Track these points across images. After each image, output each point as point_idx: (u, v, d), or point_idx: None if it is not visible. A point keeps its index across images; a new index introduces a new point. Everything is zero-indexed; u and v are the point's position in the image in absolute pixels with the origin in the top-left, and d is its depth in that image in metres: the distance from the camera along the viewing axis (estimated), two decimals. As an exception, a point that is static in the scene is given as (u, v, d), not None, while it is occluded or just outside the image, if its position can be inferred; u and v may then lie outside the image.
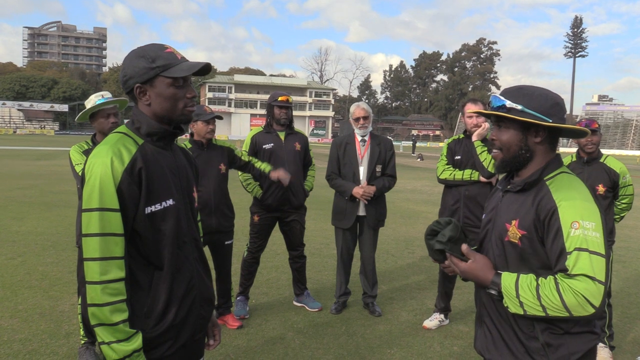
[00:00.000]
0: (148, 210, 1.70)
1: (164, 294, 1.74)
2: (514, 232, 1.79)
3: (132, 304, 1.69)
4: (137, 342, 1.65)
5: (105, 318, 1.61)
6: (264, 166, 4.48)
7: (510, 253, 1.81)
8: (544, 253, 1.72)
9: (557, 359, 1.72)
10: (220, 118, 4.34)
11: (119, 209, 1.64)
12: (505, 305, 1.73)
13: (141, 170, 1.68)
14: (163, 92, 1.75)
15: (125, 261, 1.67)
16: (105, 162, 1.64)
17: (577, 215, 1.66)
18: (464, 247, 1.84)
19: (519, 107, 1.78)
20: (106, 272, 1.61)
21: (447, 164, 4.61)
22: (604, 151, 4.37)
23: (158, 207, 1.73)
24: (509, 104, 1.79)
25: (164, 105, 1.76)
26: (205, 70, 1.81)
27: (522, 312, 1.69)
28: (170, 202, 1.76)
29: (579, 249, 1.63)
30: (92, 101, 3.57)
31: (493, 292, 1.78)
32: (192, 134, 4.33)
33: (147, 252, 1.73)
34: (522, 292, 1.68)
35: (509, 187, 1.90)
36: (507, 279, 1.73)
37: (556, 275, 1.67)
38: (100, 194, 1.62)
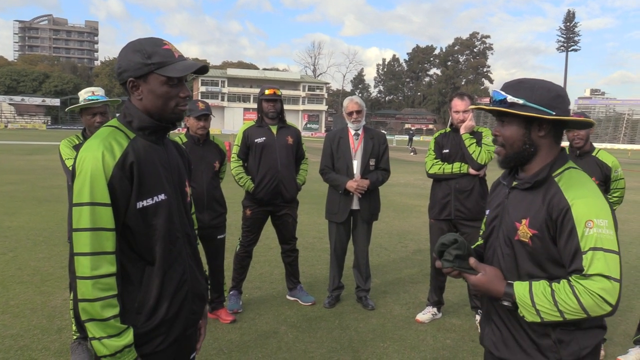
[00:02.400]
0: (139, 205, 1.69)
1: (156, 289, 1.73)
2: (524, 231, 1.75)
3: (123, 299, 1.68)
4: (128, 337, 1.64)
5: (96, 313, 1.60)
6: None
7: (520, 252, 1.78)
8: (555, 251, 1.70)
9: (569, 354, 1.71)
10: (212, 115, 4.31)
11: (110, 203, 1.62)
12: (521, 314, 1.70)
13: (132, 164, 1.67)
14: (156, 89, 1.73)
15: (117, 256, 1.65)
16: (97, 156, 1.62)
17: (591, 214, 1.64)
18: (472, 260, 1.80)
19: (521, 101, 1.73)
20: (97, 267, 1.60)
21: (435, 159, 4.61)
22: (595, 145, 4.38)
23: (150, 201, 1.71)
24: (510, 98, 1.75)
25: (155, 102, 1.74)
26: (202, 71, 1.79)
27: (539, 320, 1.66)
28: (162, 196, 1.75)
29: (594, 249, 1.61)
30: (82, 96, 3.55)
31: (507, 303, 1.75)
32: (188, 128, 4.32)
33: (139, 247, 1.72)
34: (537, 299, 1.65)
35: (515, 183, 1.85)
36: (520, 289, 1.70)
37: (570, 278, 1.65)
38: (91, 189, 1.60)
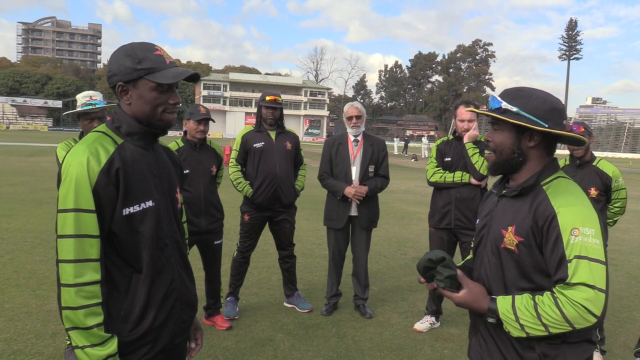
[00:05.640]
0: (126, 211, 1.66)
1: (143, 297, 1.70)
2: (510, 238, 1.73)
3: (108, 306, 1.65)
4: (112, 346, 1.62)
5: (79, 322, 1.58)
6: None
7: (507, 260, 1.75)
8: (542, 260, 1.67)
9: None
10: (212, 120, 4.31)
11: (94, 210, 1.60)
12: (507, 330, 1.67)
13: (119, 170, 1.65)
14: (145, 95, 1.71)
15: (101, 263, 1.63)
16: (82, 161, 1.60)
17: (577, 222, 1.61)
18: (459, 272, 1.80)
19: (515, 109, 1.72)
20: (81, 275, 1.57)
21: (436, 167, 4.57)
22: (597, 154, 4.35)
23: (137, 208, 1.69)
24: (504, 105, 1.74)
25: (144, 108, 1.73)
26: (193, 78, 1.78)
27: (524, 335, 1.64)
28: (149, 203, 1.72)
29: (579, 257, 1.58)
30: (80, 100, 3.54)
31: (491, 320, 1.74)
32: (185, 132, 4.29)
33: (126, 254, 1.69)
34: (520, 314, 1.63)
35: (504, 191, 1.84)
36: (503, 304, 1.68)
37: (553, 289, 1.62)
38: (76, 195, 1.58)
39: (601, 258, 1.59)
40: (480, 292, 1.77)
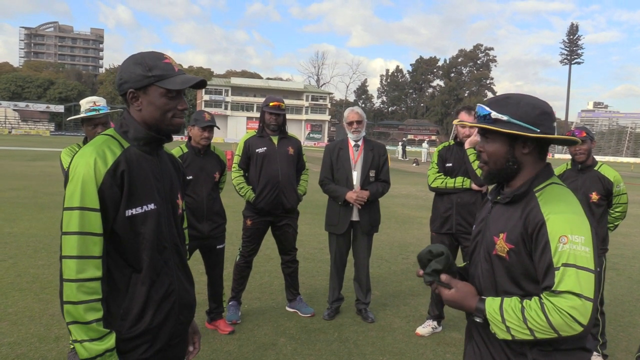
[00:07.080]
0: (128, 212, 1.72)
1: (142, 297, 1.76)
2: (501, 245, 1.72)
3: (108, 304, 1.71)
4: (110, 341, 1.67)
5: (79, 316, 1.63)
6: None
7: (498, 267, 1.74)
8: (533, 268, 1.66)
9: None
10: (217, 127, 4.34)
11: (99, 209, 1.66)
12: (493, 331, 1.67)
13: (124, 172, 1.71)
14: (155, 101, 1.78)
15: (103, 261, 1.68)
16: (89, 162, 1.66)
17: (566, 229, 1.59)
18: (443, 277, 1.79)
19: (505, 117, 1.70)
20: (83, 271, 1.63)
21: (438, 172, 4.60)
22: (598, 158, 4.36)
23: (139, 210, 1.75)
24: (494, 114, 1.72)
25: (154, 113, 1.79)
26: (200, 85, 1.84)
27: (510, 338, 1.62)
28: (151, 206, 1.78)
29: (566, 265, 1.56)
30: (84, 106, 3.57)
31: (478, 319, 1.73)
32: (190, 138, 4.32)
33: (126, 253, 1.75)
34: (507, 316, 1.62)
35: (498, 198, 1.83)
36: (491, 305, 1.67)
37: (541, 295, 1.61)
38: (82, 194, 1.64)
39: (589, 266, 1.56)
40: (469, 291, 1.77)
